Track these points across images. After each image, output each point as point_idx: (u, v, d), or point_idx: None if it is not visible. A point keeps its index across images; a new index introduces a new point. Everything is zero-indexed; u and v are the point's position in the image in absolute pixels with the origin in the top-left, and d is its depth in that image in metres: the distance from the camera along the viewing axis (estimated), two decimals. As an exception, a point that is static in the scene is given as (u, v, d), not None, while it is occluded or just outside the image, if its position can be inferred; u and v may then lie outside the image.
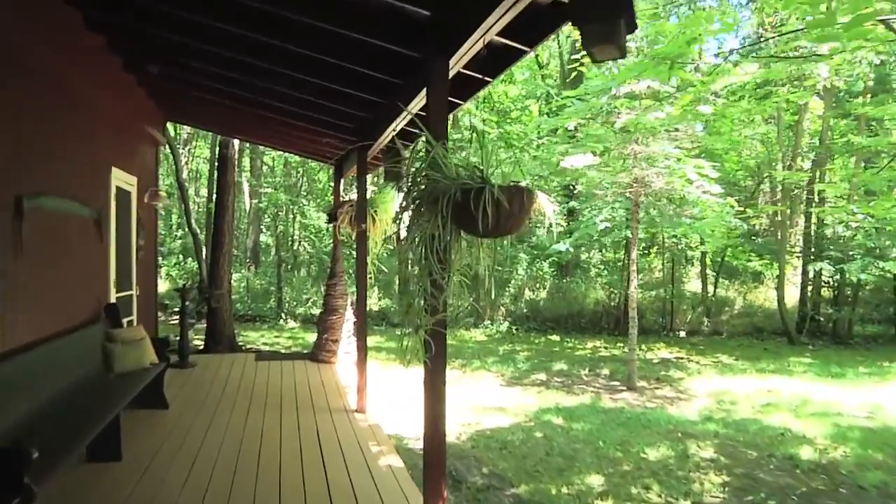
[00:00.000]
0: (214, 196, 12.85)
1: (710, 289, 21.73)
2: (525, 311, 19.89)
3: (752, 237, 18.72)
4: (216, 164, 12.94)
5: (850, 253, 16.86)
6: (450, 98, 4.63)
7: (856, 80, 15.66)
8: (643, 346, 15.04)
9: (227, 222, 12.48)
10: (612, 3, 2.63)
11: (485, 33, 3.68)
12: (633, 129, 11.19)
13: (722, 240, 14.67)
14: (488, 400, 10.24)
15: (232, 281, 14.01)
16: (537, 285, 21.33)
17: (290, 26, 5.31)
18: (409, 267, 3.71)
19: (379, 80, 5.90)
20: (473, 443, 8.09)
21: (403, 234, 3.83)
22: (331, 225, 15.70)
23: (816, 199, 18.64)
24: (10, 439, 4.30)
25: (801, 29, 8.41)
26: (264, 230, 26.57)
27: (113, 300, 8.16)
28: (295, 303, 20.96)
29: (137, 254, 9.61)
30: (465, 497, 6.68)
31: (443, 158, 3.54)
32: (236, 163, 13.13)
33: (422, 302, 3.78)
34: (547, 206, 3.81)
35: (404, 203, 3.60)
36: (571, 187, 18.99)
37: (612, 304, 20.21)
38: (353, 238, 10.97)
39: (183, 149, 25.23)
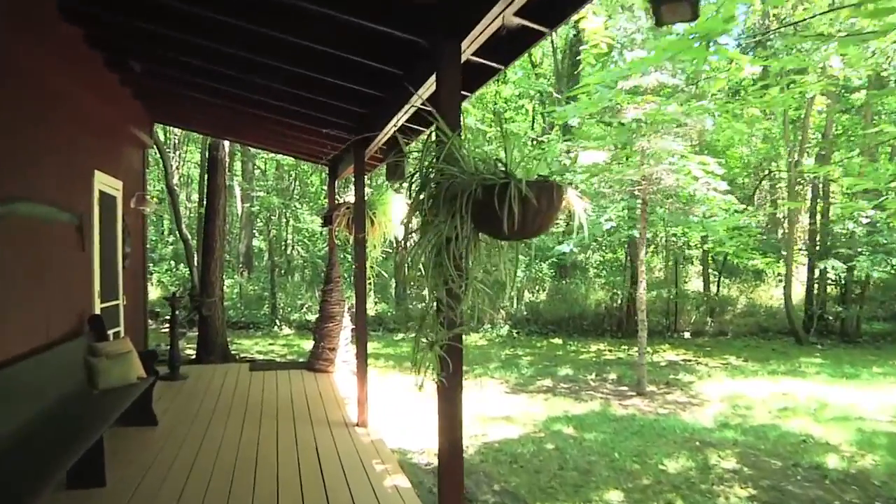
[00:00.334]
0: (205, 200, 12.37)
1: (712, 288, 21.38)
2: (525, 313, 19.45)
3: (752, 236, 18.27)
4: (206, 167, 12.46)
5: (858, 249, 16.48)
6: (458, 88, 4.21)
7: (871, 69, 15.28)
8: (648, 349, 14.59)
9: (217, 227, 12.01)
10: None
11: (504, 9, 3.26)
12: (651, 122, 10.72)
13: (741, 238, 14.22)
14: (494, 409, 9.79)
15: (224, 287, 13.54)
16: (536, 287, 20.91)
17: (283, 12, 4.87)
18: (421, 275, 3.27)
19: (379, 72, 5.46)
20: (482, 456, 7.66)
21: (413, 237, 3.40)
22: (325, 228, 15.29)
23: (821, 194, 18.28)
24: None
25: (846, 6, 7.96)
26: (257, 235, 26.09)
27: (97, 311, 7.71)
28: (289, 309, 20.49)
29: (124, 261, 9.16)
30: (476, 518, 6.27)
31: (460, 151, 3.11)
32: (227, 166, 12.64)
33: (436, 314, 3.36)
34: (577, 204, 3.39)
35: (415, 202, 3.16)
36: (575, 186, 18.56)
37: (615, 305, 19.80)
38: (351, 242, 10.54)
39: (174, 153, 24.72)
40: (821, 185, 18.82)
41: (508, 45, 4.21)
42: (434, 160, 3.14)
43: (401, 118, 5.63)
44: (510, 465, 7.36)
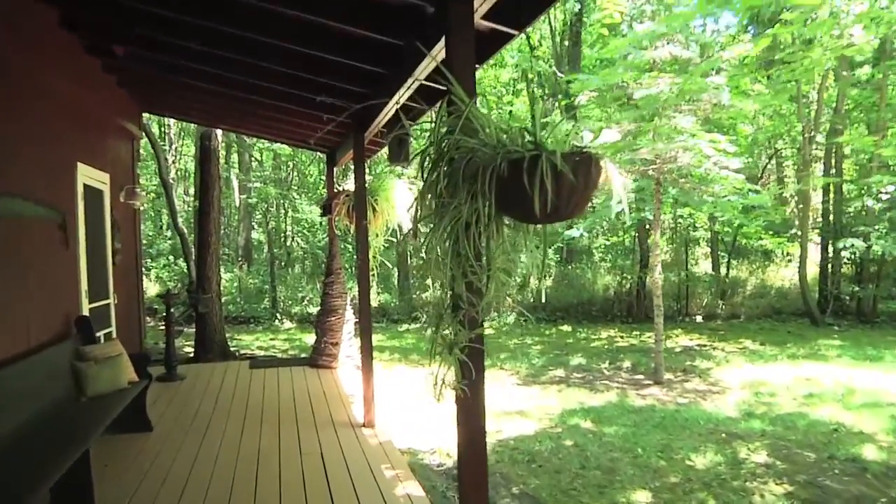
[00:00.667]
0: (199, 192, 11.90)
1: (721, 270, 20.89)
2: (532, 300, 18.95)
3: (779, 214, 17.67)
4: (198, 158, 12.00)
5: (875, 227, 15.97)
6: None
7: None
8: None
9: (212, 220, 11.53)
10: None
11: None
12: (676, 94, 10.15)
13: (758, 218, 13.66)
14: (506, 402, 9.34)
15: (222, 282, 13.09)
16: (542, 273, 20.38)
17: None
18: (438, 266, 2.81)
19: (380, 45, 4.99)
20: (497, 456, 7.21)
21: (425, 223, 2.94)
22: (325, 218, 14.82)
23: (833, 171, 17.76)
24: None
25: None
26: (256, 227, 25.60)
27: (85, 312, 7.26)
28: (290, 302, 20.03)
29: (114, 258, 8.71)
30: (495, 525, 5.84)
31: (480, 120, 2.65)
32: (221, 156, 12.16)
33: (453, 311, 2.91)
34: (616, 179, 2.92)
35: (428, 182, 2.69)
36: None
37: (623, 290, 19.32)
38: (352, 231, 10.08)
39: (169, 147, 24.23)
40: (833, 162, 18.30)
41: (519, 7, 3.75)
42: (449, 132, 2.67)
43: (403, 95, 5.16)
44: (528, 464, 6.92)
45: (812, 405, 9.12)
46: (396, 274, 21.07)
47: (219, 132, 11.92)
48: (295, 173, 24.78)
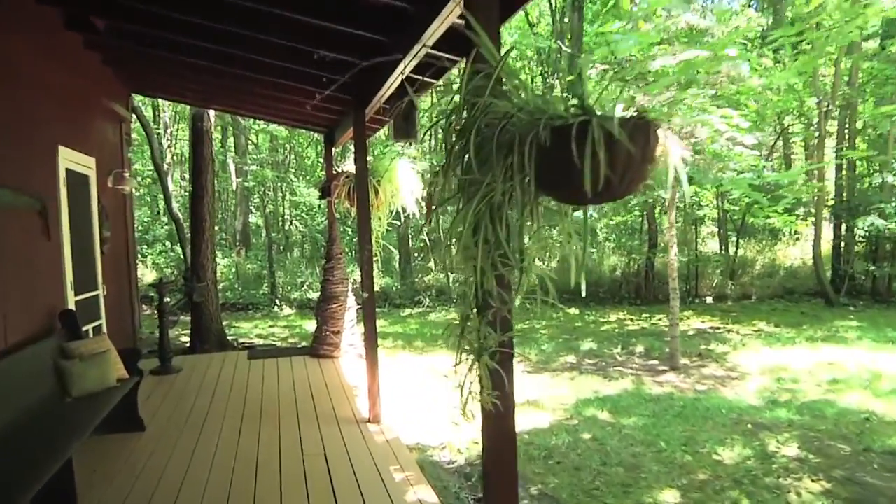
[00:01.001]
0: (191, 176, 11.40)
1: (728, 249, 20.41)
2: (536, 282, 18.47)
3: (789, 191, 17.08)
4: (191, 140, 11.50)
5: (893, 203, 15.46)
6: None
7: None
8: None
9: (206, 204, 11.04)
10: None
11: None
12: (702, 72, 9.63)
13: (799, 191, 13.06)
14: (517, 392, 8.88)
15: (217, 269, 12.65)
16: (546, 254, 19.90)
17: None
18: (460, 257, 2.37)
19: (382, 8, 4.51)
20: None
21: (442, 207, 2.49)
22: (324, 201, 14.33)
23: (846, 147, 17.22)
24: None
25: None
26: (253, 211, 25.08)
27: (70, 306, 6.81)
28: (289, 287, 19.57)
29: (102, 247, 8.25)
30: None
31: (514, 79, 2.19)
32: (214, 138, 11.66)
33: (479, 310, 2.47)
34: (674, 151, 2.45)
35: (451, 156, 2.23)
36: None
37: (631, 271, 18.85)
38: (353, 214, 9.61)
39: (164, 132, 23.67)
40: (847, 137, 17.76)
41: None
42: (473, 94, 2.21)
43: (409, 64, 4.68)
44: (545, 461, 6.50)
45: (838, 392, 8.69)
46: (398, 257, 20.56)
47: (211, 113, 11.42)
48: (292, 156, 24.23)
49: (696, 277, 18.52)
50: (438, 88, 5.35)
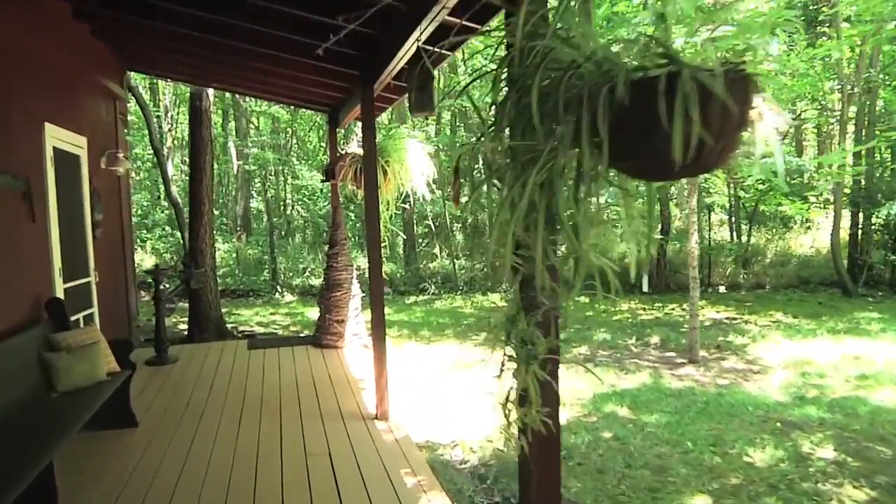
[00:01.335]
0: (190, 158, 10.94)
1: (737, 237, 19.93)
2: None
3: (830, 175, 16.47)
4: (190, 121, 11.03)
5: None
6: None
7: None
8: (685, 306, 13.24)
9: (205, 187, 10.59)
10: None
11: None
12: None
13: (839, 175, 12.48)
14: (529, 385, 8.49)
15: (216, 255, 12.21)
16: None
17: None
18: (505, 244, 1.93)
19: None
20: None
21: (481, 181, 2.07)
22: (327, 184, 13.86)
23: (865, 134, 16.69)
24: None
25: None
26: (255, 195, 24.59)
27: (58, 294, 6.39)
28: (291, 273, 19.11)
29: (94, 231, 7.82)
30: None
31: (579, 22, 1.74)
32: (214, 120, 11.19)
33: (525, 309, 2.05)
34: (769, 116, 2.00)
35: (502, 116, 1.78)
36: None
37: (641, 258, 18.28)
38: (359, 197, 9.18)
39: (165, 115, 23.18)
40: (867, 123, 17.22)
41: None
42: (530, 40, 1.76)
43: (426, 28, 4.23)
44: (565, 462, 6.06)
45: (868, 388, 8.25)
46: (402, 242, 20.07)
47: (210, 93, 10.95)
48: (294, 140, 23.72)
49: (708, 266, 18.05)
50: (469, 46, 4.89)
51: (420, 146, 7.10)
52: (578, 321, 12.99)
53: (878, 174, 17.71)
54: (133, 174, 24.35)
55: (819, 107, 18.99)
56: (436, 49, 4.86)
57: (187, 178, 11.69)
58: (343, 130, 11.74)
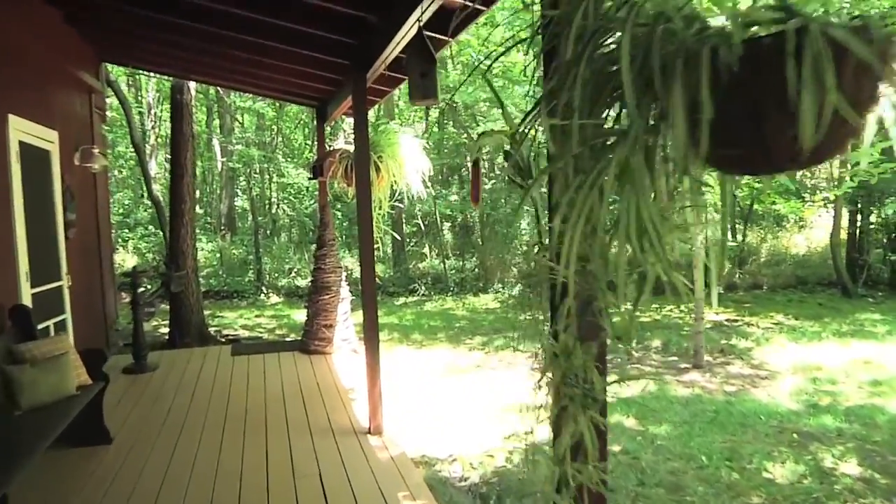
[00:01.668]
0: (171, 154, 10.44)
1: (736, 236, 19.58)
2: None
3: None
4: (171, 116, 10.52)
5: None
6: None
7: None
8: (683, 308, 12.87)
9: (186, 184, 10.09)
10: None
11: None
12: None
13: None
14: (529, 394, 8.06)
15: (198, 257, 11.71)
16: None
17: None
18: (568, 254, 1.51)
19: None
20: (532, 466, 5.92)
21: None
22: (314, 182, 13.38)
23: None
24: None
25: None
26: (240, 193, 24.00)
27: (25, 300, 5.92)
28: (276, 274, 18.61)
29: (67, 232, 7.34)
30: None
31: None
32: (196, 115, 10.70)
33: (583, 338, 1.63)
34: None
35: (568, 88, 1.35)
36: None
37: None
38: (349, 196, 8.74)
39: (148, 112, 22.60)
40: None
41: None
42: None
43: (427, 8, 3.80)
44: (572, 480, 5.66)
45: (883, 395, 7.89)
46: (391, 242, 19.56)
47: (192, 85, 10.46)
48: (279, 138, 23.15)
49: (705, 266, 17.69)
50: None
51: (415, 140, 6.67)
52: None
53: (877, 172, 17.37)
54: (116, 172, 23.80)
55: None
56: (434, 35, 4.45)
57: (170, 175, 11.19)
58: (330, 126, 11.29)
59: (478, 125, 18.21)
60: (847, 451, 6.21)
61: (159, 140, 22.00)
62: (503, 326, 12.29)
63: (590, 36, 1.23)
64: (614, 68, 1.28)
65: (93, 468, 5.18)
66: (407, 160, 6.62)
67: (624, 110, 1.33)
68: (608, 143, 1.26)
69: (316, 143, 11.55)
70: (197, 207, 22.05)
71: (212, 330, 11.34)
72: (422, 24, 3.87)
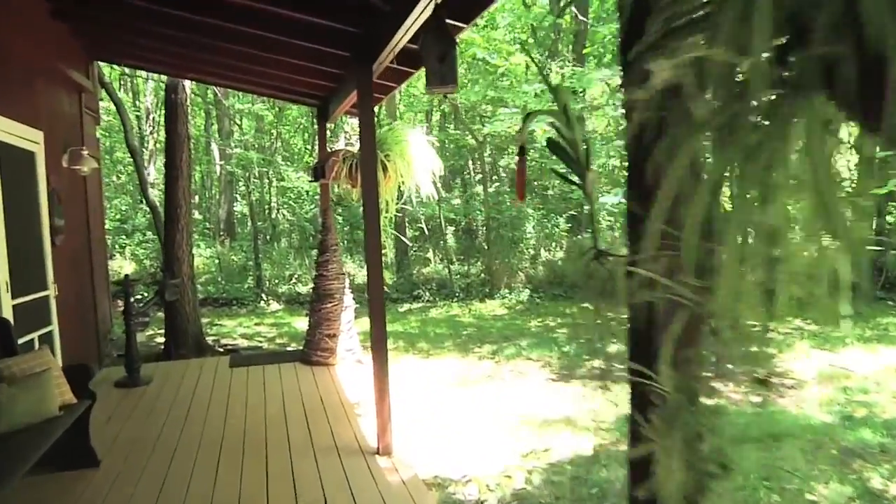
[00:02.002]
0: (165, 157, 9.99)
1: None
2: (542, 275, 17.11)
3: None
4: (165, 116, 10.05)
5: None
6: None
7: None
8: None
9: (181, 188, 9.64)
10: None
11: None
12: None
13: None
14: (545, 406, 7.59)
15: (196, 264, 11.29)
16: (553, 244, 18.56)
17: None
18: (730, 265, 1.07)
19: None
20: (555, 488, 5.47)
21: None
22: (314, 185, 12.94)
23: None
24: None
25: None
26: (239, 198, 23.54)
27: (5, 313, 5.49)
28: (276, 280, 18.13)
29: (54, 238, 6.91)
30: None
31: None
32: (188, 111, 10.25)
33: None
34: None
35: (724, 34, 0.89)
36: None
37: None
38: (354, 198, 8.31)
39: (146, 117, 22.23)
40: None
41: None
42: None
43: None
44: (600, 502, 5.21)
45: (921, 405, 7.46)
46: (392, 246, 19.06)
47: (187, 84, 10.02)
48: (279, 142, 22.70)
49: (709, 266, 17.22)
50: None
51: (424, 138, 6.24)
52: (587, 330, 12.10)
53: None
54: (114, 178, 23.41)
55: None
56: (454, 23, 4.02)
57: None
58: (332, 127, 10.87)
59: (482, 126, 17.76)
60: (894, 469, 5.76)
61: (158, 145, 21.60)
62: (512, 334, 11.83)
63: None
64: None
65: (78, 494, 4.77)
66: (416, 159, 6.19)
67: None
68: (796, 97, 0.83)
69: (316, 145, 11.12)
70: (196, 213, 21.68)
71: (210, 339, 10.90)
72: (439, 1, 3.44)
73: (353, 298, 8.75)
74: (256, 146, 21.21)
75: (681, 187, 1.02)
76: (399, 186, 6.43)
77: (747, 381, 6.31)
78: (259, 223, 20.42)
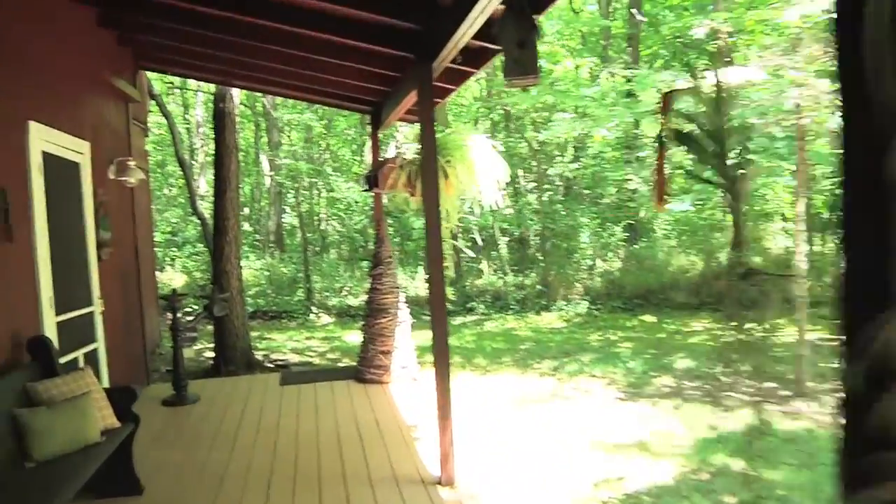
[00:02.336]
0: (214, 169, 9.72)
1: (812, 247, 18.27)
2: (600, 286, 16.49)
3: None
4: (214, 126, 9.81)
5: None
6: None
7: None
8: (766, 325, 11.68)
9: (229, 200, 9.35)
10: None
11: None
12: None
13: None
14: (614, 428, 7.05)
15: (245, 276, 11.01)
16: (609, 254, 17.93)
17: None
18: None
19: None
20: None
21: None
22: (365, 195, 12.59)
23: None
24: None
25: None
26: (288, 210, 23.38)
27: (48, 330, 5.19)
28: (327, 293, 17.82)
29: (100, 252, 6.64)
30: None
31: None
32: (236, 120, 9.98)
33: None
34: None
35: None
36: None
37: (710, 272, 16.79)
38: (411, 207, 7.93)
39: (197, 130, 22.27)
40: None
41: None
42: None
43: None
44: (687, 545, 4.70)
45: None
46: (451, 258, 18.55)
47: (235, 93, 9.76)
48: (328, 155, 22.48)
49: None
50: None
51: (488, 142, 5.81)
52: (651, 345, 11.55)
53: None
54: (165, 190, 23.50)
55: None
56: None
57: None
58: (381, 136, 10.53)
59: (538, 133, 17.27)
60: None
61: (208, 158, 21.61)
62: (573, 348, 11.29)
63: None
64: None
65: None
66: (478, 164, 5.77)
67: None
68: None
69: (364, 156, 10.77)
70: (246, 224, 21.59)
71: (259, 354, 10.60)
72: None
73: (410, 313, 8.36)
74: (305, 157, 21.04)
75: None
76: (461, 194, 6.03)
77: None
78: (308, 234, 20.20)
